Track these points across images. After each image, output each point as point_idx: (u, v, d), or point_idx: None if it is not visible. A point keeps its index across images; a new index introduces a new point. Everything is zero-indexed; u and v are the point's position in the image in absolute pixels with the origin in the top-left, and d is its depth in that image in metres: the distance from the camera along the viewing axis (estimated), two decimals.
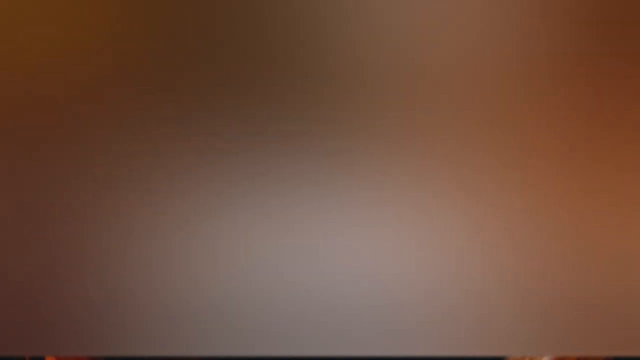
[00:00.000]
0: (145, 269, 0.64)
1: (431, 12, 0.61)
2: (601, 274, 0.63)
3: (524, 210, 0.63)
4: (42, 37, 0.62)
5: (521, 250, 0.63)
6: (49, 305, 0.64)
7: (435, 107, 0.62)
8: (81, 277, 0.64)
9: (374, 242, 0.63)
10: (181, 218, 0.63)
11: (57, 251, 0.63)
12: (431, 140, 0.62)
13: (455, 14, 0.61)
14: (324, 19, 0.61)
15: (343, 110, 0.62)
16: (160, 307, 0.64)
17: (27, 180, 0.63)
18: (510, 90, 0.62)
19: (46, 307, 0.64)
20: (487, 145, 0.62)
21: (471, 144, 0.62)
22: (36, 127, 0.62)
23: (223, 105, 0.62)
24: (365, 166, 0.62)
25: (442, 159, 0.62)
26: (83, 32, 0.62)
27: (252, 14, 0.61)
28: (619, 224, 0.63)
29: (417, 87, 0.62)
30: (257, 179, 0.63)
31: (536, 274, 0.63)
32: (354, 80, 0.62)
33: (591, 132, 0.62)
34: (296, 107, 0.62)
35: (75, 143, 0.63)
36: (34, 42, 0.62)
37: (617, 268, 0.63)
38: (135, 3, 0.62)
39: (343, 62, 0.62)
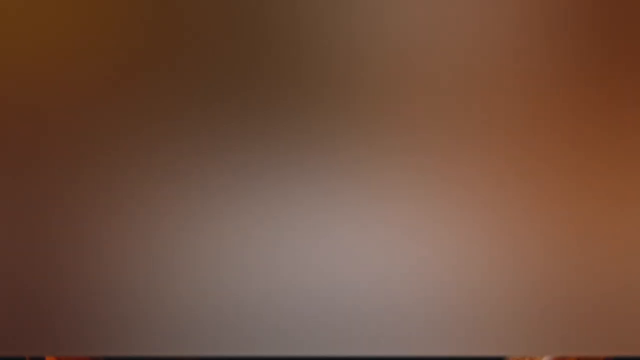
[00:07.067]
0: (145, 268, 0.64)
1: (432, 11, 0.61)
2: (601, 273, 0.63)
3: (524, 210, 0.63)
4: (42, 37, 0.62)
5: (521, 250, 0.63)
6: (49, 305, 0.64)
7: (435, 107, 0.62)
8: (81, 277, 0.64)
9: (374, 242, 0.63)
10: (181, 218, 0.63)
11: (58, 251, 0.63)
12: (431, 140, 0.62)
13: (456, 13, 0.61)
14: (324, 19, 0.61)
15: (343, 110, 0.62)
16: (161, 307, 0.64)
17: (28, 180, 0.63)
18: (512, 90, 0.62)
19: (46, 307, 0.64)
20: (487, 145, 0.62)
21: (472, 144, 0.62)
22: (35, 126, 0.63)
23: (223, 105, 0.62)
24: (365, 166, 0.62)
25: (442, 158, 0.62)
26: (82, 31, 0.62)
27: (252, 14, 0.61)
28: (619, 224, 0.63)
29: (418, 87, 0.62)
30: (257, 178, 0.63)
31: (536, 274, 0.63)
32: (354, 80, 0.62)
33: (591, 132, 0.62)
34: (296, 107, 0.62)
35: (73, 142, 0.63)
36: (33, 42, 0.62)
37: (617, 268, 0.63)
38: (134, 3, 0.62)
39: (343, 61, 0.62)
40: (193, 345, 0.64)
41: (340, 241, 0.63)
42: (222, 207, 0.63)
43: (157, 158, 0.63)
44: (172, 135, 0.62)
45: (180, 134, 0.62)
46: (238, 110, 0.62)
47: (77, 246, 0.63)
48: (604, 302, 0.63)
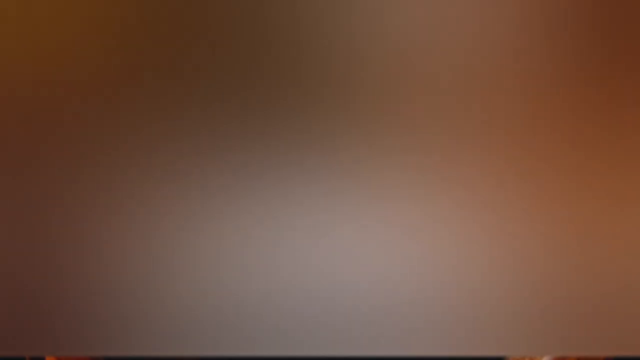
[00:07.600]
0: (145, 268, 0.64)
1: (432, 11, 0.61)
2: (601, 273, 0.63)
3: (524, 210, 0.63)
4: (42, 37, 0.62)
5: (521, 250, 0.63)
6: (49, 305, 0.64)
7: (435, 107, 0.62)
8: (81, 277, 0.64)
9: (374, 242, 0.63)
10: (181, 218, 0.63)
11: (58, 251, 0.63)
12: (431, 140, 0.62)
13: (456, 13, 0.61)
14: (324, 19, 0.61)
15: (343, 110, 0.62)
16: (161, 307, 0.64)
17: (28, 180, 0.63)
18: (512, 90, 0.62)
19: (46, 307, 0.64)
20: (487, 145, 0.62)
21: (472, 144, 0.62)
22: (35, 126, 0.63)
23: (223, 105, 0.62)
24: (365, 166, 0.62)
25: (442, 158, 0.62)
26: (82, 31, 0.62)
27: (252, 14, 0.61)
28: (619, 224, 0.63)
29: (418, 87, 0.62)
30: (257, 178, 0.63)
31: (536, 274, 0.63)
32: (354, 80, 0.62)
33: (591, 132, 0.62)
34: (296, 107, 0.62)
35: (74, 143, 0.63)
36: (33, 42, 0.62)
37: (617, 268, 0.63)
38: (134, 3, 0.62)
39: (343, 61, 0.62)
40: (193, 345, 0.64)
41: (340, 241, 0.63)
42: (222, 207, 0.63)
43: (157, 158, 0.63)
44: (172, 135, 0.62)
45: (180, 134, 0.62)
46: (238, 110, 0.62)
47: (77, 246, 0.63)
48: (604, 302, 0.63)
